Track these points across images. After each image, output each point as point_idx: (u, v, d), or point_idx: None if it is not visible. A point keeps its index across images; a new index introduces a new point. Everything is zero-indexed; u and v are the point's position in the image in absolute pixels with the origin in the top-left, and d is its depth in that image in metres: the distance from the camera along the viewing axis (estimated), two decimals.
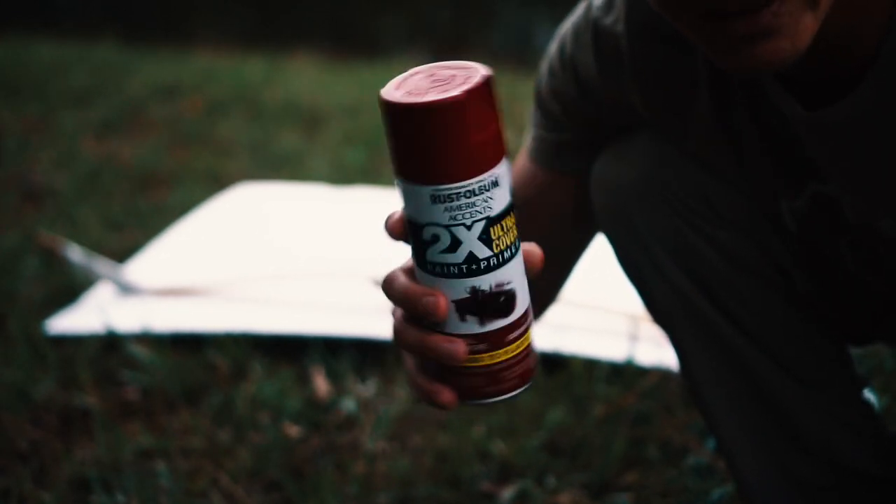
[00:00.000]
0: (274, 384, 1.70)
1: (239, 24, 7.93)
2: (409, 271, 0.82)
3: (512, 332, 0.81)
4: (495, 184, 0.77)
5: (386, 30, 7.95)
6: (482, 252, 0.78)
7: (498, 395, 0.82)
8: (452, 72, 0.77)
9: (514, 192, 0.80)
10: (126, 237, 2.44)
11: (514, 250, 0.80)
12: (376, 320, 1.63)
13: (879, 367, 1.62)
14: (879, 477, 1.13)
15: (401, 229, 0.80)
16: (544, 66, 1.17)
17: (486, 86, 0.76)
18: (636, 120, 1.10)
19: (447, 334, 0.80)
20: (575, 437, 1.56)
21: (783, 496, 1.13)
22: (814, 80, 0.91)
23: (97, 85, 4.00)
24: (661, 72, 1.03)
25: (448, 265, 0.78)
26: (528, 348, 0.83)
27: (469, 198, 0.76)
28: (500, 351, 0.81)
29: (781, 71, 0.82)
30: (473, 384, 0.82)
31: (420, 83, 0.77)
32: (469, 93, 0.75)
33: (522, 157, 1.18)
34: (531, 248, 0.82)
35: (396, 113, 0.76)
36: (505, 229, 0.78)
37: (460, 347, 0.79)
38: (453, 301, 0.79)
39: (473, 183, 0.76)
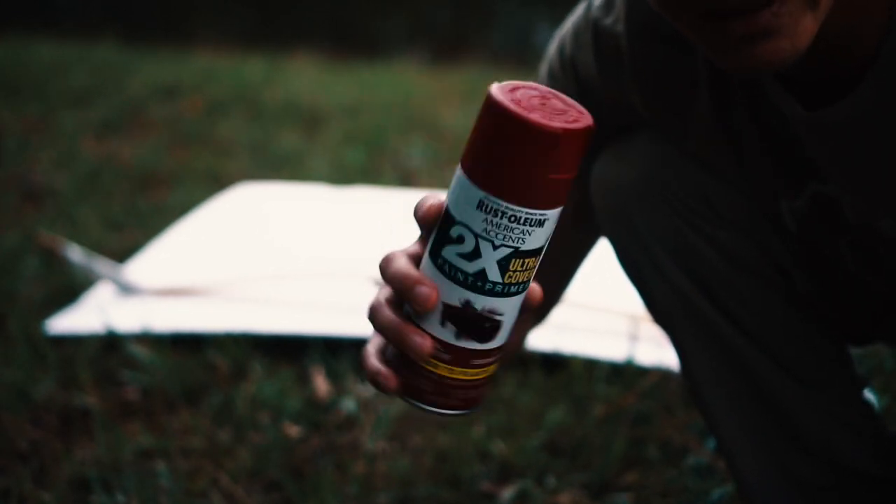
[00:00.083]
0: (274, 384, 1.70)
1: (239, 24, 7.93)
2: (411, 256, 0.82)
3: (479, 358, 0.81)
4: (540, 224, 0.77)
5: (386, 30, 7.95)
6: (493, 275, 0.78)
7: (436, 407, 0.83)
8: (564, 106, 0.77)
9: None
10: (126, 237, 2.44)
11: (521, 288, 0.80)
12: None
13: (879, 367, 1.62)
14: (879, 477, 1.13)
15: (433, 218, 0.79)
16: (544, 66, 1.17)
17: (587, 134, 0.76)
18: (636, 120, 1.10)
19: (421, 329, 0.80)
20: (575, 437, 1.56)
21: (783, 496, 1.13)
22: (814, 80, 0.91)
23: (97, 85, 4.00)
24: (661, 72, 1.03)
25: (457, 269, 0.78)
26: (486, 380, 0.83)
27: (511, 222, 0.76)
28: (460, 369, 0.81)
29: (781, 71, 0.82)
30: (420, 385, 0.82)
31: (532, 100, 0.76)
32: (572, 132, 0.75)
33: None
34: (533, 286, 0.82)
35: (499, 114, 0.75)
36: (525, 267, 0.78)
37: (427, 345, 0.80)
38: (443, 302, 0.79)
39: (524, 212, 0.76)
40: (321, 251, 2.20)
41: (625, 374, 1.70)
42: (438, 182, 2.90)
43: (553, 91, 0.78)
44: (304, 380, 1.75)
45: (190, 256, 2.23)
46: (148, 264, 2.17)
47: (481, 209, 0.76)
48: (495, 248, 0.77)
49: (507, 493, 1.44)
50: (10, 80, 4.07)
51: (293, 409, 1.64)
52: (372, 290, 1.88)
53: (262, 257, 2.19)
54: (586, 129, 0.75)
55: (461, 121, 3.66)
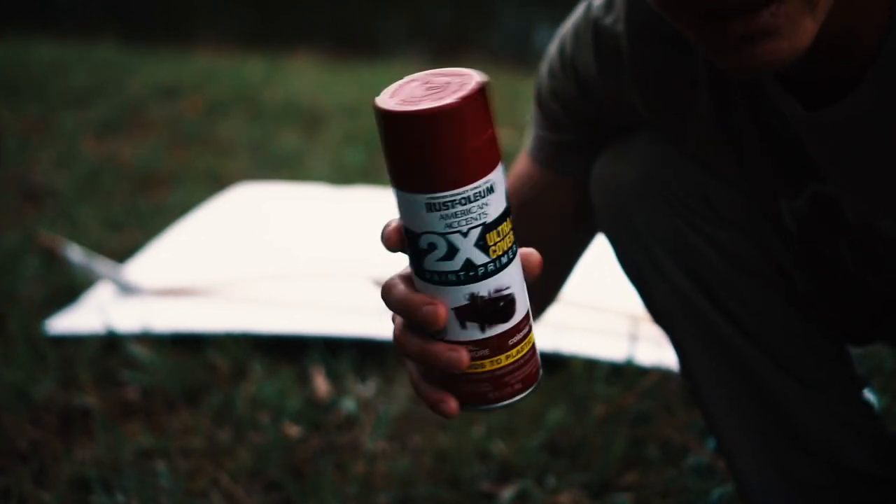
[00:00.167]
0: (274, 384, 1.70)
1: (239, 24, 7.94)
2: (407, 278, 0.81)
3: (513, 336, 0.81)
4: (490, 190, 0.77)
5: (386, 30, 7.95)
6: (479, 258, 0.78)
7: (502, 401, 0.82)
8: (447, 79, 0.77)
9: (515, 193, 0.80)
10: (126, 237, 2.44)
11: (511, 255, 0.79)
12: (376, 320, 1.63)
13: (879, 367, 1.62)
14: (879, 477, 1.13)
15: (397, 239, 0.79)
16: (544, 66, 1.17)
17: (479, 93, 0.75)
18: (636, 120, 1.10)
19: (449, 341, 0.80)
20: (575, 437, 1.56)
21: (783, 496, 1.13)
22: (814, 80, 0.91)
23: (97, 85, 4.00)
24: (661, 72, 1.03)
25: (446, 273, 0.78)
26: (531, 352, 0.83)
27: (465, 205, 0.76)
28: (503, 356, 0.81)
29: (781, 71, 0.82)
30: (477, 390, 0.81)
31: (415, 91, 0.76)
32: (463, 99, 0.74)
33: (523, 158, 1.18)
34: (529, 252, 0.82)
35: (389, 121, 0.75)
36: (501, 235, 0.78)
37: (462, 355, 0.79)
38: (453, 308, 0.79)
39: (468, 190, 0.76)
40: (321, 251, 2.20)
41: (625, 374, 1.70)
42: None
43: (429, 72, 0.78)
44: (304, 380, 1.75)
45: (190, 256, 2.23)
46: (148, 264, 2.17)
47: (432, 210, 0.76)
48: (465, 234, 0.77)
49: (507, 493, 1.44)
50: (10, 80, 4.07)
51: (293, 409, 1.64)
52: (372, 290, 1.88)
53: (262, 257, 2.19)
54: (479, 88, 0.75)
55: None
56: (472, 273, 0.78)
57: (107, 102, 3.77)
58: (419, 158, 0.75)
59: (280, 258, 2.17)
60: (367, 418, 1.63)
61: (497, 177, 0.77)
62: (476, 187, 0.76)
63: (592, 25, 1.07)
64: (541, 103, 1.15)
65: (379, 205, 2.53)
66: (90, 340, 1.83)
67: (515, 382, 0.82)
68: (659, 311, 1.16)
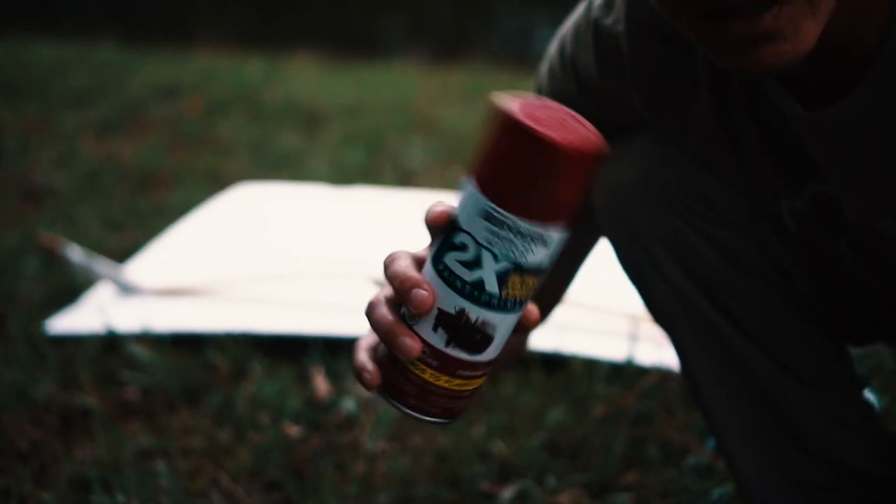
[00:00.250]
0: (274, 384, 1.70)
1: (239, 24, 7.94)
2: (415, 258, 0.82)
3: (466, 369, 0.81)
4: (543, 241, 0.77)
5: (386, 30, 7.95)
6: (491, 286, 0.78)
7: (415, 411, 0.83)
8: (578, 124, 0.77)
9: None
10: (126, 237, 2.44)
11: (518, 306, 0.80)
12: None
13: (879, 367, 1.62)
14: (879, 477, 1.13)
15: (440, 222, 0.80)
16: (545, 66, 1.17)
17: (598, 158, 0.76)
18: (636, 120, 1.10)
19: (413, 332, 0.80)
20: (575, 437, 1.56)
21: (783, 496, 1.13)
22: (814, 80, 0.91)
23: (97, 85, 4.01)
24: (661, 72, 1.03)
25: (457, 277, 0.78)
26: (469, 394, 0.83)
27: (514, 235, 0.76)
28: (445, 377, 0.81)
29: (783, 72, 0.82)
30: (403, 387, 0.82)
31: (544, 115, 0.76)
32: (584, 150, 0.75)
33: None
34: (531, 307, 0.83)
35: (512, 128, 0.75)
36: (523, 285, 0.78)
37: (415, 347, 0.80)
38: (438, 308, 0.79)
39: (526, 226, 0.76)
40: (321, 251, 2.20)
41: (625, 374, 1.70)
42: (438, 182, 2.90)
43: (568, 110, 0.78)
44: (304, 380, 1.75)
45: (190, 256, 2.23)
46: (148, 264, 2.17)
47: (486, 219, 0.77)
48: (496, 259, 0.77)
49: (507, 493, 1.44)
50: (10, 80, 4.07)
51: (293, 409, 1.64)
52: (372, 289, 1.88)
53: (262, 257, 2.19)
54: (597, 150, 0.75)
55: (461, 121, 3.66)
56: (476, 293, 0.78)
57: (107, 102, 3.77)
58: (513, 174, 0.75)
59: (280, 258, 2.17)
60: (367, 418, 1.63)
61: (556, 237, 0.78)
62: (534, 229, 0.76)
63: (592, 25, 1.07)
64: None
65: (379, 205, 2.54)
66: (90, 340, 1.83)
67: (435, 406, 0.83)
68: (659, 311, 1.16)
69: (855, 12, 0.85)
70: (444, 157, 3.23)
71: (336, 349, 1.80)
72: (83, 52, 4.65)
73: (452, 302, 0.79)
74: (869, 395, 1.17)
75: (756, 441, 1.14)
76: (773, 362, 1.11)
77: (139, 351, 1.79)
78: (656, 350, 1.69)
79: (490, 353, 0.81)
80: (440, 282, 0.79)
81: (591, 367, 1.72)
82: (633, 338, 1.73)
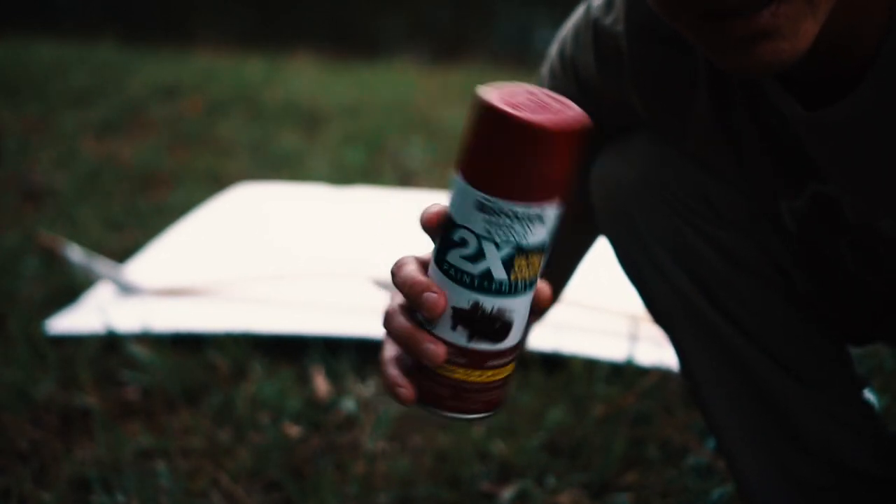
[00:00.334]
0: (274, 384, 1.70)
1: (239, 24, 7.94)
2: (421, 262, 0.82)
3: (494, 359, 0.81)
4: (540, 219, 0.77)
5: (386, 30, 7.95)
6: (499, 274, 0.78)
7: (456, 412, 0.83)
8: (554, 102, 0.77)
9: None
10: (126, 237, 2.44)
11: (529, 286, 0.80)
12: (376, 320, 1.63)
13: (879, 367, 1.62)
14: (879, 477, 1.13)
15: (436, 224, 0.80)
16: (545, 67, 1.17)
17: (580, 131, 0.76)
18: (636, 120, 1.10)
19: (434, 335, 0.80)
20: (575, 437, 1.56)
21: (783, 496, 1.13)
22: (814, 79, 0.91)
23: (97, 85, 4.01)
24: (660, 72, 1.03)
25: (463, 272, 0.79)
26: (502, 381, 0.83)
27: (511, 219, 0.77)
28: (476, 372, 0.81)
29: (781, 71, 0.82)
30: (438, 392, 0.82)
31: (521, 99, 0.77)
32: (562, 127, 0.75)
33: None
34: (542, 286, 0.82)
35: (488, 115, 0.76)
36: (529, 265, 0.79)
37: (441, 350, 0.80)
38: (452, 307, 0.79)
39: (521, 208, 0.76)
40: (321, 251, 2.20)
41: (625, 374, 1.70)
42: (438, 182, 2.90)
43: (546, 91, 0.79)
44: (304, 380, 1.75)
45: (190, 256, 2.23)
46: (148, 264, 2.17)
47: (480, 210, 0.77)
48: (498, 247, 0.77)
49: (507, 493, 1.44)
50: (10, 80, 4.07)
51: (293, 409, 1.64)
52: (372, 290, 1.88)
53: (262, 257, 2.19)
54: (577, 127, 0.76)
55: (461, 121, 3.66)
56: (486, 283, 0.78)
57: (107, 102, 3.77)
58: (497, 160, 0.76)
59: (280, 258, 2.17)
60: (367, 418, 1.63)
61: (551, 212, 0.78)
62: (528, 209, 0.77)
63: (592, 26, 1.07)
64: None
65: (379, 205, 2.54)
66: (90, 340, 1.83)
67: (475, 402, 0.82)
68: (659, 311, 1.16)
69: (855, 12, 0.85)
70: (444, 157, 3.23)
71: (336, 349, 1.80)
72: (83, 52, 4.65)
73: (465, 297, 0.79)
74: (869, 395, 1.17)
75: (756, 441, 1.14)
76: (773, 362, 1.11)
77: (139, 351, 1.79)
78: (656, 350, 1.69)
79: (513, 338, 0.81)
80: (448, 281, 0.79)
81: (591, 367, 1.72)
82: (633, 338, 1.73)
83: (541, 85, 1.15)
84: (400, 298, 0.83)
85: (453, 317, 0.80)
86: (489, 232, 0.77)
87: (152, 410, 1.66)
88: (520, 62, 5.40)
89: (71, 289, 2.07)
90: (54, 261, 2.20)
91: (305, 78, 4.46)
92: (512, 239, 0.77)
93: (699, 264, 1.11)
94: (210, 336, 1.83)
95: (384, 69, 4.97)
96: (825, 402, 1.13)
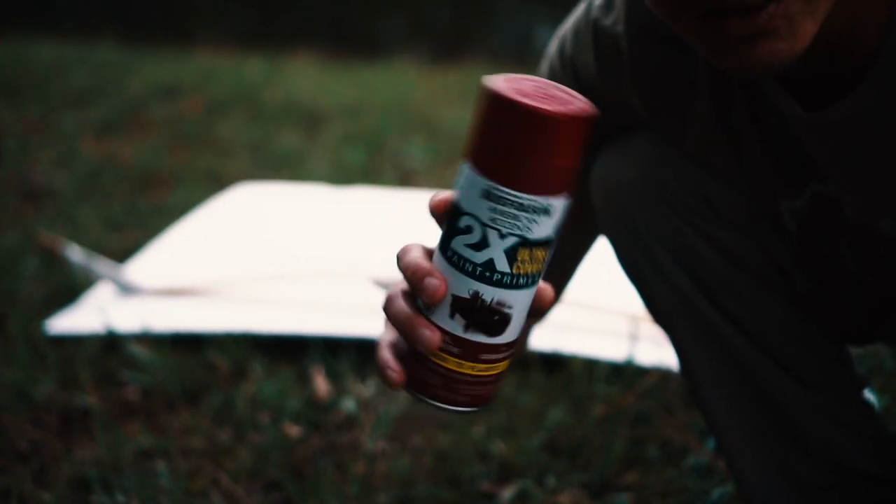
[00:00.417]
0: (274, 384, 1.70)
1: (239, 24, 7.94)
2: (427, 250, 0.82)
3: (488, 353, 0.81)
4: (546, 211, 0.77)
5: (386, 30, 7.95)
6: (502, 265, 0.78)
7: (444, 403, 0.82)
8: (562, 94, 0.78)
9: None
10: (126, 237, 2.44)
11: (531, 281, 0.80)
12: (376, 320, 1.63)
13: (879, 367, 1.62)
14: (879, 477, 1.13)
15: (442, 209, 0.80)
16: (544, 66, 1.17)
17: (587, 121, 0.76)
18: (636, 120, 1.10)
19: (431, 322, 0.80)
20: (575, 437, 1.56)
21: (783, 496, 1.13)
22: (813, 80, 0.91)
23: (97, 85, 4.01)
24: (660, 72, 1.03)
25: (466, 260, 0.78)
26: (495, 377, 0.83)
27: (517, 210, 0.77)
28: (469, 364, 0.81)
29: (780, 71, 0.82)
30: (428, 380, 0.82)
31: (528, 88, 0.77)
32: (572, 117, 0.75)
33: None
34: (545, 287, 0.82)
35: (498, 103, 0.76)
36: (532, 258, 0.78)
37: (435, 337, 0.80)
38: (452, 294, 0.79)
39: (527, 199, 0.76)
40: (321, 251, 2.20)
41: (625, 374, 1.70)
42: (438, 182, 2.90)
43: (553, 83, 0.79)
44: (304, 380, 1.75)
45: (190, 256, 2.23)
46: (148, 264, 2.17)
47: (487, 198, 0.77)
48: (502, 236, 0.77)
49: (507, 493, 1.44)
50: (10, 80, 4.07)
51: (293, 409, 1.64)
52: (372, 290, 1.88)
53: (262, 257, 2.19)
54: (586, 116, 0.76)
55: (461, 121, 3.66)
56: (487, 274, 0.78)
57: (107, 102, 3.77)
58: (506, 149, 0.76)
59: (280, 258, 2.17)
60: (367, 418, 1.63)
61: (558, 205, 0.78)
62: (535, 201, 0.77)
63: (592, 26, 1.07)
64: None
65: (379, 205, 2.54)
66: (90, 340, 1.83)
67: (465, 395, 0.82)
68: (659, 311, 1.16)
69: (855, 12, 0.85)
70: (444, 157, 3.23)
71: (336, 349, 1.80)
72: (83, 52, 4.65)
73: (465, 286, 0.79)
74: (869, 395, 1.17)
75: (756, 441, 1.14)
76: (773, 362, 1.11)
77: (139, 351, 1.79)
78: (656, 350, 1.69)
79: (510, 334, 0.81)
80: (451, 268, 0.79)
81: (591, 367, 1.72)
82: (633, 338, 1.73)
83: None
84: (403, 284, 0.83)
85: (452, 305, 0.79)
86: (494, 221, 0.77)
87: (152, 410, 1.66)
88: (520, 62, 5.39)
89: (71, 289, 2.07)
90: (54, 261, 2.20)
91: (305, 78, 4.46)
92: (517, 229, 0.77)
93: (699, 264, 1.11)
94: (210, 336, 1.83)
95: (384, 69, 4.97)
96: (825, 402, 1.13)
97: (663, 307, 1.15)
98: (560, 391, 1.68)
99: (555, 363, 1.74)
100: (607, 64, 1.06)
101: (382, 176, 3.01)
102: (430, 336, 0.80)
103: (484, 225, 0.77)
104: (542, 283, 0.82)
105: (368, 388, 1.72)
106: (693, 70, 1.00)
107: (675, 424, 1.59)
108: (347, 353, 1.78)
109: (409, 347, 0.82)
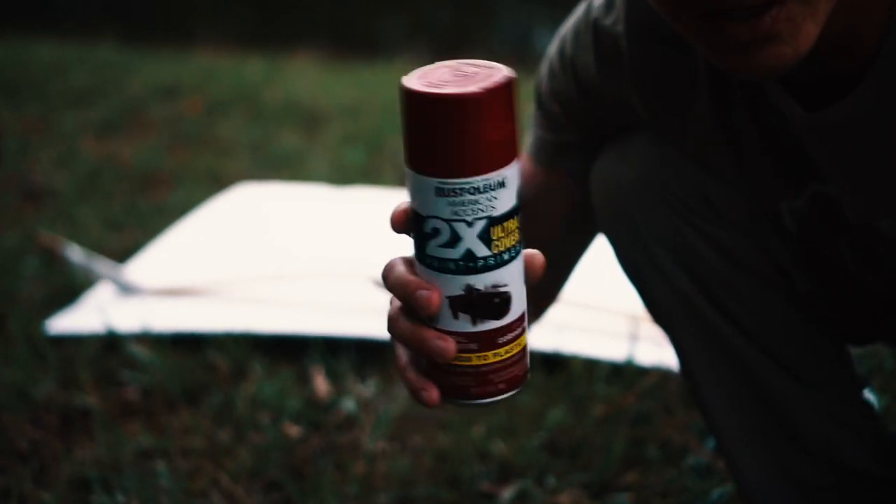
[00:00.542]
0: (274, 384, 1.70)
1: (239, 24, 7.93)
2: (409, 261, 0.82)
3: (504, 335, 0.81)
4: (502, 184, 0.77)
5: (386, 30, 7.95)
6: (481, 251, 0.78)
7: (484, 398, 0.82)
8: (476, 69, 0.77)
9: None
10: (126, 237, 2.44)
11: (514, 253, 0.79)
12: (376, 320, 1.63)
13: (879, 367, 1.62)
14: (879, 477, 1.13)
15: (403, 221, 0.80)
16: (544, 66, 1.17)
17: (506, 86, 0.76)
18: (636, 120, 1.10)
19: (440, 330, 0.80)
20: (575, 437, 1.56)
21: (783, 496, 1.13)
22: (814, 80, 0.91)
23: (97, 85, 4.00)
24: (660, 73, 1.03)
25: (446, 260, 0.78)
26: (520, 354, 0.83)
27: (473, 195, 0.76)
28: (490, 353, 0.81)
29: (783, 73, 0.82)
30: (460, 383, 0.81)
31: (443, 76, 0.77)
32: (487, 91, 0.75)
33: (523, 158, 1.18)
34: (533, 253, 0.82)
35: (413, 101, 0.76)
36: (507, 231, 0.78)
37: (450, 345, 0.79)
38: (447, 297, 0.79)
39: (479, 181, 0.76)
40: (321, 251, 2.20)
41: (625, 374, 1.70)
42: None
43: (461, 61, 0.78)
44: (304, 380, 1.75)
45: (190, 256, 2.23)
46: (148, 264, 2.17)
47: (441, 195, 0.77)
48: (470, 224, 0.77)
49: (507, 493, 1.44)
50: (10, 80, 4.07)
51: (293, 409, 1.64)
52: (372, 290, 1.88)
53: (262, 257, 2.19)
54: (506, 82, 0.76)
55: None
56: (471, 264, 0.78)
57: (107, 102, 3.77)
58: (435, 142, 0.76)
59: (280, 258, 2.17)
60: (367, 418, 1.63)
61: (510, 173, 0.77)
62: (487, 179, 0.76)
63: (592, 26, 1.07)
64: (541, 104, 1.15)
65: (379, 205, 2.53)
66: (90, 340, 1.83)
67: (499, 381, 0.82)
68: (659, 311, 1.16)
69: (855, 12, 0.85)
70: None
71: (336, 349, 1.80)
72: (83, 52, 4.64)
73: (456, 285, 0.79)
74: (869, 395, 1.17)
75: (756, 441, 1.14)
76: (773, 362, 1.11)
77: (139, 351, 1.79)
78: (656, 350, 1.68)
79: (516, 310, 0.81)
80: (434, 273, 0.79)
81: (591, 367, 1.72)
82: (633, 338, 1.73)
83: (540, 84, 1.15)
84: (398, 302, 0.83)
85: (451, 306, 0.79)
86: (457, 213, 0.77)
87: (152, 410, 1.66)
88: (520, 62, 5.39)
89: (71, 289, 2.07)
90: (54, 261, 2.20)
91: (305, 78, 4.46)
92: (481, 213, 0.77)
93: (699, 264, 1.11)
94: (210, 336, 1.83)
95: (384, 69, 4.96)
96: (825, 402, 1.13)
97: (663, 307, 1.15)
98: (560, 391, 1.68)
99: (555, 363, 1.73)
100: (607, 64, 1.06)
101: (382, 176, 3.01)
102: (444, 345, 0.79)
103: (448, 221, 0.77)
104: (527, 252, 0.81)
105: (368, 388, 1.72)
106: (693, 70, 1.00)
107: (675, 424, 1.59)
108: (347, 353, 1.78)
109: (428, 361, 0.82)
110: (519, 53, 6.44)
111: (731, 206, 1.09)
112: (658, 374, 1.68)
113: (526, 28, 7.93)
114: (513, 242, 0.79)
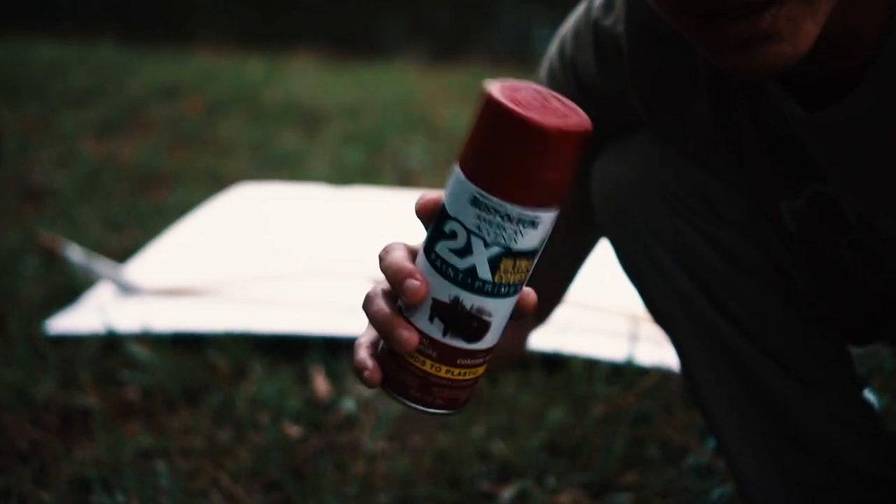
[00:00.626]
0: (274, 384, 1.70)
1: (239, 24, 7.94)
2: (410, 249, 0.82)
3: (465, 357, 0.81)
4: (533, 224, 0.77)
5: (386, 30, 7.95)
6: (484, 273, 0.78)
7: (419, 404, 0.83)
8: (561, 105, 0.77)
9: None
10: (126, 237, 2.44)
11: (513, 291, 0.79)
12: None
13: (879, 367, 1.62)
14: (879, 477, 1.13)
15: (429, 210, 0.80)
16: (545, 66, 1.17)
17: (584, 135, 0.75)
18: (636, 120, 1.10)
19: (410, 323, 0.80)
20: (575, 437, 1.56)
21: (783, 496, 1.13)
22: (814, 80, 0.91)
23: (97, 85, 4.00)
24: (660, 72, 1.03)
25: (448, 264, 0.78)
26: (472, 381, 0.83)
27: (503, 220, 0.76)
28: (445, 367, 0.81)
29: (782, 72, 0.82)
30: (404, 380, 0.82)
31: (529, 98, 0.76)
32: (567, 131, 0.74)
33: None
34: (528, 292, 0.82)
35: (493, 110, 0.75)
36: (516, 269, 0.78)
37: (413, 339, 0.79)
38: (433, 298, 0.79)
39: (516, 210, 0.76)
40: (321, 251, 2.20)
41: (625, 374, 1.70)
42: (438, 182, 2.90)
43: (553, 93, 0.78)
44: (304, 380, 1.75)
45: (190, 256, 2.23)
46: (148, 264, 2.17)
47: (474, 205, 0.76)
48: (486, 245, 0.77)
49: (507, 493, 1.44)
50: (10, 80, 4.07)
51: (293, 409, 1.64)
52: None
53: (262, 257, 2.19)
54: (582, 132, 0.75)
55: (461, 121, 3.66)
56: (469, 280, 0.78)
57: (107, 102, 3.77)
58: (498, 158, 0.75)
59: (280, 258, 2.17)
60: (367, 418, 1.63)
61: (546, 218, 0.77)
62: (523, 213, 0.76)
63: (592, 26, 1.07)
64: None
65: (379, 205, 2.54)
66: (90, 340, 1.83)
67: (440, 396, 0.82)
68: (659, 311, 1.16)
69: (855, 12, 0.85)
70: (443, 158, 3.23)
71: (336, 349, 1.80)
72: (83, 52, 4.65)
73: (446, 291, 0.79)
74: (869, 395, 1.17)
75: (756, 441, 1.14)
76: (773, 362, 1.11)
77: (139, 351, 1.79)
78: (656, 350, 1.69)
79: (488, 341, 0.81)
80: (433, 271, 0.79)
81: (591, 367, 1.72)
82: (633, 338, 1.73)
83: (539, 84, 1.15)
84: (385, 283, 0.83)
85: (432, 308, 0.79)
86: (479, 228, 0.77)
87: (152, 410, 1.66)
88: (520, 62, 5.40)
89: (71, 289, 2.07)
90: (54, 261, 2.20)
91: (305, 78, 4.46)
92: (501, 239, 0.77)
93: (699, 264, 1.11)
94: (210, 336, 1.83)
95: (384, 69, 4.97)
96: (825, 402, 1.13)
97: (663, 307, 1.15)
98: (560, 391, 1.68)
99: (555, 363, 1.74)
100: (607, 64, 1.06)
101: (382, 176, 3.01)
102: (408, 337, 0.80)
103: (469, 231, 0.77)
104: (524, 289, 0.81)
105: (368, 388, 1.72)
106: (693, 70, 1.00)
107: (675, 424, 1.59)
108: (347, 353, 1.78)
109: (387, 347, 0.82)
110: (519, 53, 6.44)
111: (731, 206, 1.10)
112: (658, 374, 1.68)
113: (526, 28, 7.93)
114: (516, 280, 0.79)
